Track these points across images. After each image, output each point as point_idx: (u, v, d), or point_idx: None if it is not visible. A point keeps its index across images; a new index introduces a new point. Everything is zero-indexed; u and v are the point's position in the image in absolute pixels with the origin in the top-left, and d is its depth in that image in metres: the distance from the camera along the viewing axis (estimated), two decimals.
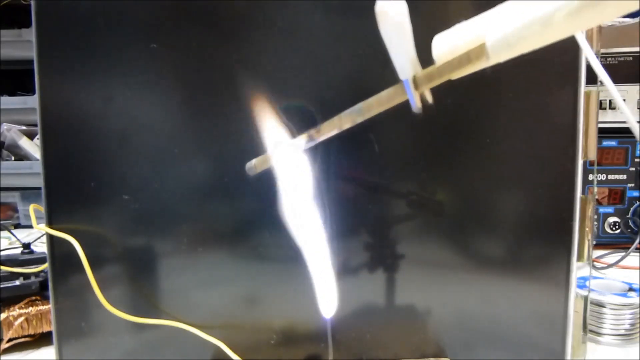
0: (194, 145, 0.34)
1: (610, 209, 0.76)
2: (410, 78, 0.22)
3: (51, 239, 0.34)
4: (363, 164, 0.35)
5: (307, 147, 0.26)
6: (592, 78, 0.35)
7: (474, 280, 0.35)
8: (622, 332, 0.44)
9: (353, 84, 0.34)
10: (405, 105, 0.34)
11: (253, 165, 0.28)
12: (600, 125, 0.35)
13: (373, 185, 0.35)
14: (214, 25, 0.34)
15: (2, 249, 0.72)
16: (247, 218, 0.35)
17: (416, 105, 0.22)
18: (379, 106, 0.24)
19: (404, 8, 0.21)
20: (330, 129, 0.25)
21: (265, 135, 0.31)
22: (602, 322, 0.44)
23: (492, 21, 0.19)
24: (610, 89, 0.26)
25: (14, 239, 0.79)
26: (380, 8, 0.21)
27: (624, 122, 0.74)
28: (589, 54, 0.27)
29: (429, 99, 0.22)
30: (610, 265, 0.66)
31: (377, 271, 0.35)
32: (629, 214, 0.75)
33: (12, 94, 0.94)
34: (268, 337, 0.36)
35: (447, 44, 0.21)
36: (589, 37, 0.34)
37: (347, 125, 0.25)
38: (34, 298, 0.46)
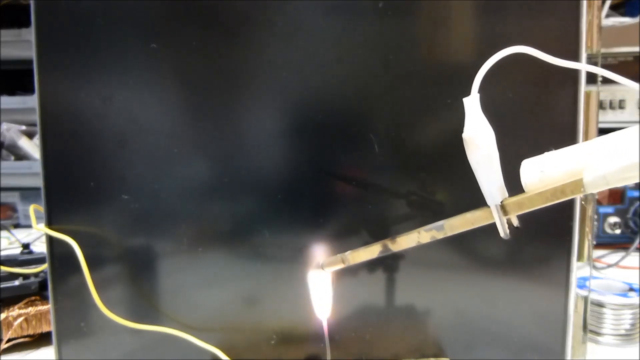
0: (194, 145, 0.34)
1: (610, 209, 0.76)
2: (498, 204, 0.22)
3: (51, 240, 0.34)
4: (363, 163, 0.35)
5: (379, 256, 0.25)
6: (592, 78, 0.35)
7: (474, 280, 0.35)
8: (622, 332, 0.44)
9: (353, 84, 0.34)
10: (406, 104, 0.34)
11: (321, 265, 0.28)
12: (600, 125, 0.35)
13: (373, 185, 0.35)
14: (214, 25, 0.34)
15: (1, 249, 0.72)
16: (247, 218, 0.35)
17: (504, 231, 0.22)
18: (463, 226, 0.24)
19: (492, 138, 0.21)
20: (407, 242, 0.25)
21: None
22: (602, 322, 0.44)
23: (589, 156, 0.19)
24: None
25: (13, 239, 0.79)
26: (468, 138, 0.21)
27: (624, 122, 0.74)
28: None
29: (515, 223, 0.22)
30: (610, 265, 0.66)
31: (377, 271, 0.35)
32: (629, 214, 0.75)
33: (12, 94, 0.94)
34: (268, 337, 0.36)
35: (538, 172, 0.21)
36: (589, 37, 0.34)
37: (425, 240, 0.24)
38: (33, 298, 0.46)
